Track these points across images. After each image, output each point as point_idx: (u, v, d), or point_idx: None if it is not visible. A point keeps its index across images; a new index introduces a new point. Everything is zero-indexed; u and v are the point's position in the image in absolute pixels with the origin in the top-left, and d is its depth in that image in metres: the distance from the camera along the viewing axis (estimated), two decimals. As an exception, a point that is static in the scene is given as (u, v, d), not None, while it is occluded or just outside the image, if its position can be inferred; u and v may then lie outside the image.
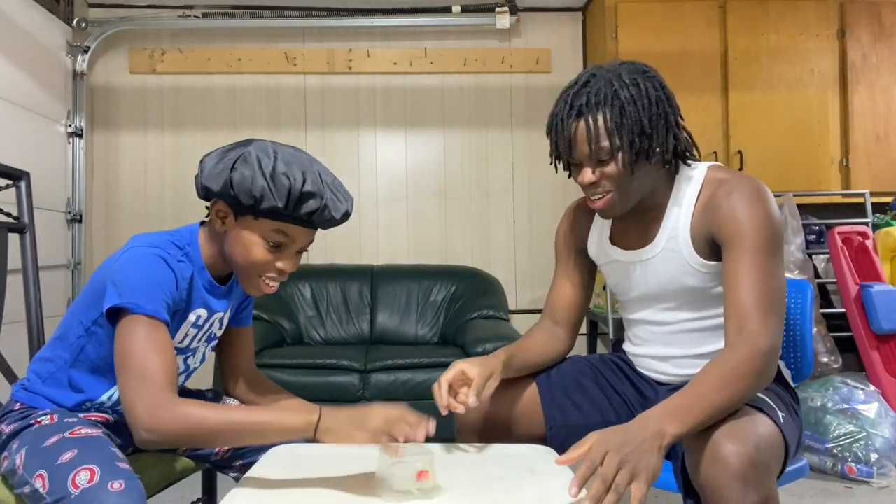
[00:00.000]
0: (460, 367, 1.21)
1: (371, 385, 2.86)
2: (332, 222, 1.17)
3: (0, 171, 1.62)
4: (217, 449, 1.33)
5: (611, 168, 1.18)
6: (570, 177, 1.28)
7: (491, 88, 3.82)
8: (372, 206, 3.76)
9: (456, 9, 3.63)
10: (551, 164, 1.27)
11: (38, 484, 1.04)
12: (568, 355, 1.47)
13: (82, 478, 1.01)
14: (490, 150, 3.82)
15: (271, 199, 1.10)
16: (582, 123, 1.17)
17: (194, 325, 1.24)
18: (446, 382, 1.20)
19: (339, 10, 3.66)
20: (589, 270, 1.46)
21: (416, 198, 3.80)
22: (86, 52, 3.47)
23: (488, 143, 3.82)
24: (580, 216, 1.44)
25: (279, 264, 1.17)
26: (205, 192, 1.17)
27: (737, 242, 1.13)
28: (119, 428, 1.23)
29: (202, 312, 1.25)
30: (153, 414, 1.00)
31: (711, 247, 1.21)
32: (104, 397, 1.22)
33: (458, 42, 3.80)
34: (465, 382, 1.21)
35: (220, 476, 1.50)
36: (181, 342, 1.24)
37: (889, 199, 3.24)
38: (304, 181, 1.11)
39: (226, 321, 1.34)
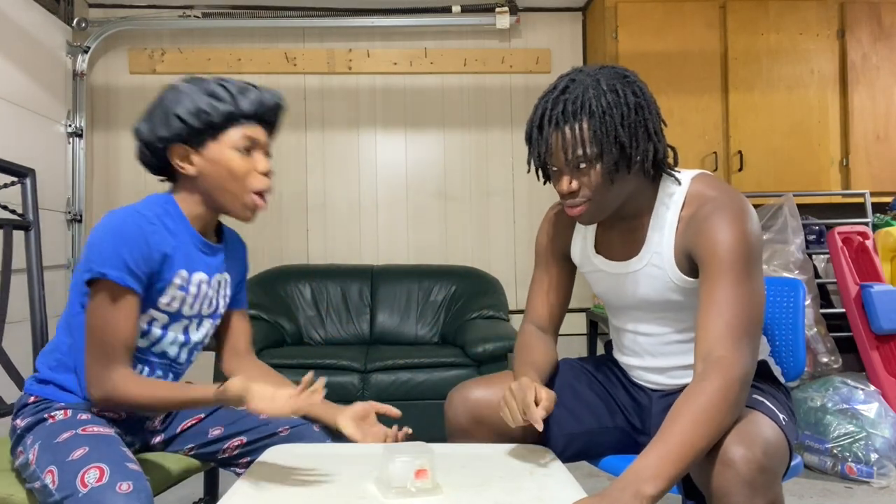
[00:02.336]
0: (534, 385, 1.15)
1: (371, 385, 2.86)
2: (275, 110, 1.27)
3: (5, 168, 1.61)
4: (225, 445, 1.33)
5: (589, 177, 1.16)
6: (545, 184, 1.27)
7: (491, 88, 3.82)
8: (372, 206, 3.76)
9: (456, 9, 3.63)
10: (528, 172, 1.24)
11: (48, 479, 1.04)
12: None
13: (91, 476, 1.01)
14: (490, 150, 3.82)
15: (219, 106, 1.18)
16: (559, 132, 1.14)
17: (181, 287, 1.23)
18: (534, 398, 1.12)
19: (339, 10, 3.66)
20: (569, 274, 1.44)
21: (416, 198, 3.80)
22: (86, 52, 3.47)
23: (488, 144, 3.82)
24: (562, 220, 1.41)
25: (259, 166, 1.23)
26: (157, 148, 1.21)
27: (712, 262, 1.11)
28: (131, 425, 1.24)
29: (201, 276, 1.26)
30: (95, 382, 1.13)
31: (693, 264, 1.20)
32: None
33: (458, 42, 3.80)
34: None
35: (222, 476, 1.50)
36: (168, 304, 1.22)
37: (889, 199, 3.24)
38: (232, 83, 1.22)
39: (228, 292, 1.35)
